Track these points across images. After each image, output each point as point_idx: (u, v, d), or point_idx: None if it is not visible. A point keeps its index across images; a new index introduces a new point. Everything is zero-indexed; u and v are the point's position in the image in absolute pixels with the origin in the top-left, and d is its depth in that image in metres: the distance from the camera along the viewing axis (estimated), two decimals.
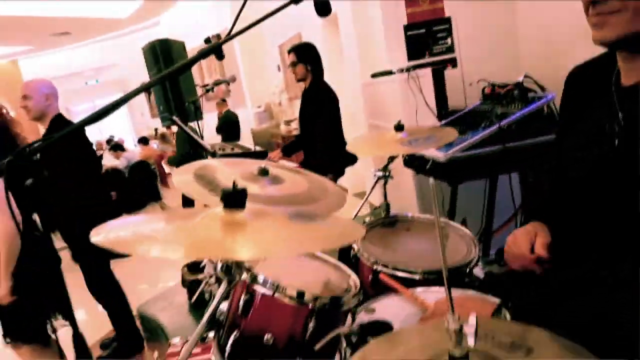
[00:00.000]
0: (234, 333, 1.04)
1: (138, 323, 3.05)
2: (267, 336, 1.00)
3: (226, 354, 1.06)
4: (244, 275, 1.00)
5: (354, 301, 1.04)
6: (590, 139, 0.98)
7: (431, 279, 1.27)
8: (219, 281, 1.05)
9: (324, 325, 1.00)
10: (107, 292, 2.78)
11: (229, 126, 6.82)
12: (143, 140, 8.84)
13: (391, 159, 1.78)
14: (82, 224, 2.52)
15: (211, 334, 1.20)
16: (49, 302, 2.13)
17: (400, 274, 1.31)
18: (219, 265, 0.88)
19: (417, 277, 1.29)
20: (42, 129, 2.65)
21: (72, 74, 10.58)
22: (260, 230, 0.75)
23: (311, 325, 0.99)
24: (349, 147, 1.64)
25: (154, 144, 8.84)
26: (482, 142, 1.99)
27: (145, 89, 0.93)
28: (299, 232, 0.78)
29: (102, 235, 0.71)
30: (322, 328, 1.00)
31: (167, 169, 6.09)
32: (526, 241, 1.05)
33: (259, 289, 1.00)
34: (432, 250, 1.45)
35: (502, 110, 2.06)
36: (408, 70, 2.49)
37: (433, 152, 2.09)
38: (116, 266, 2.87)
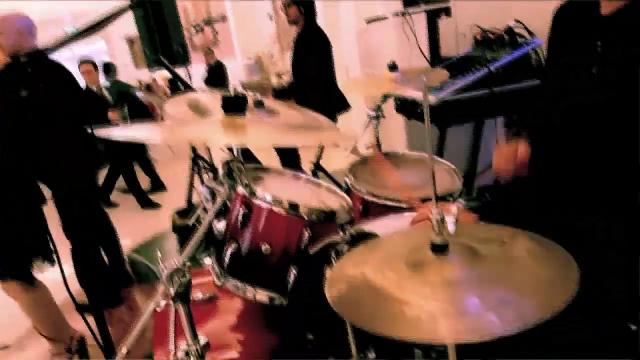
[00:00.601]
0: (232, 245, 1.11)
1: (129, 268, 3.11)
2: (264, 247, 1.08)
3: (225, 265, 1.13)
4: (242, 189, 1.06)
5: (345, 217, 1.11)
6: (573, 76, 1.02)
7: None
8: (214, 198, 1.11)
9: (318, 237, 1.08)
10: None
11: (216, 72, 6.70)
12: None
13: (384, 98, 1.83)
14: (66, 176, 2.46)
15: (208, 261, 1.27)
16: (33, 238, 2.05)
17: (390, 203, 1.40)
18: (221, 172, 0.93)
19: (404, 205, 1.37)
20: None
21: (49, 21, 10.07)
22: (257, 131, 0.81)
23: (306, 236, 1.07)
24: (343, 88, 1.67)
25: (139, 94, 8.63)
26: (471, 85, 2.04)
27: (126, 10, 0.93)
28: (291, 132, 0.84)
29: (113, 132, 0.75)
30: (316, 240, 1.08)
31: None
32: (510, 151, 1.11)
33: (257, 202, 1.06)
34: (420, 183, 1.53)
35: (492, 56, 2.10)
36: (403, 14, 2.48)
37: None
38: None
